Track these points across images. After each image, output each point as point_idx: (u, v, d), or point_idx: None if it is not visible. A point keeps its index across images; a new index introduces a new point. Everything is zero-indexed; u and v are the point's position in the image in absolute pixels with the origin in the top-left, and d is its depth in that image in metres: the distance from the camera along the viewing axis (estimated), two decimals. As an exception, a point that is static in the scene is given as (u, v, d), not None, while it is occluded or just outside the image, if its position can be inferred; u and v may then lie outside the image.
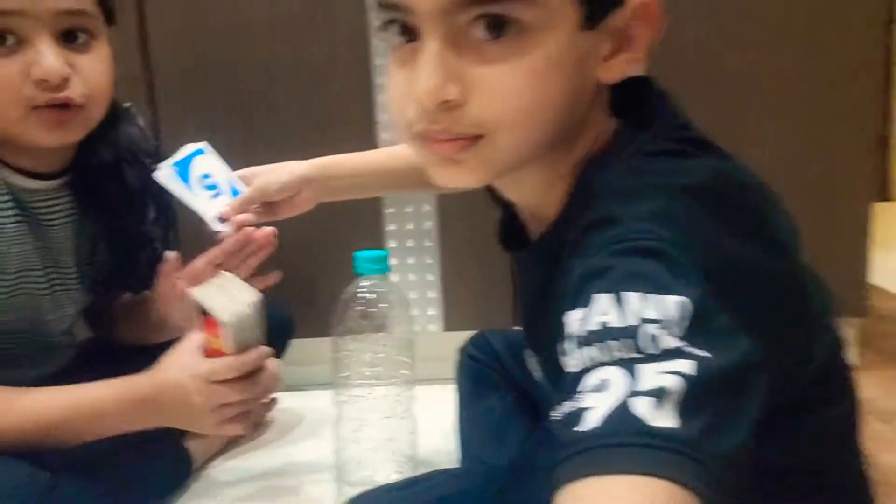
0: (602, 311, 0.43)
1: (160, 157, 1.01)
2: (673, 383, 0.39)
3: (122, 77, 0.95)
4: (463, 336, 1.09)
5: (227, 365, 0.83)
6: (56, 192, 0.96)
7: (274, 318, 1.21)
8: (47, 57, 0.83)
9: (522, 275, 0.69)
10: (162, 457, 1.05)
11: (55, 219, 0.96)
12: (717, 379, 0.40)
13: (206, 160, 1.01)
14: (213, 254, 0.98)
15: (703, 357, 0.40)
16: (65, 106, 0.86)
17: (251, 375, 0.85)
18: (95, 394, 0.88)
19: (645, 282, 0.43)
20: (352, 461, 1.00)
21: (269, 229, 0.99)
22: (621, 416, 0.38)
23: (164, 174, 0.97)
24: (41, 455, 0.87)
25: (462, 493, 0.70)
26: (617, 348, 0.41)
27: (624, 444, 0.37)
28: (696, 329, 0.41)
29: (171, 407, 0.86)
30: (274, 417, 1.32)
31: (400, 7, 0.53)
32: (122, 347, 1.11)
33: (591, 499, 0.37)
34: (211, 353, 0.87)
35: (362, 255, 0.96)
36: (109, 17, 0.91)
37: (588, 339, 0.42)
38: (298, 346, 1.28)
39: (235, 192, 1.00)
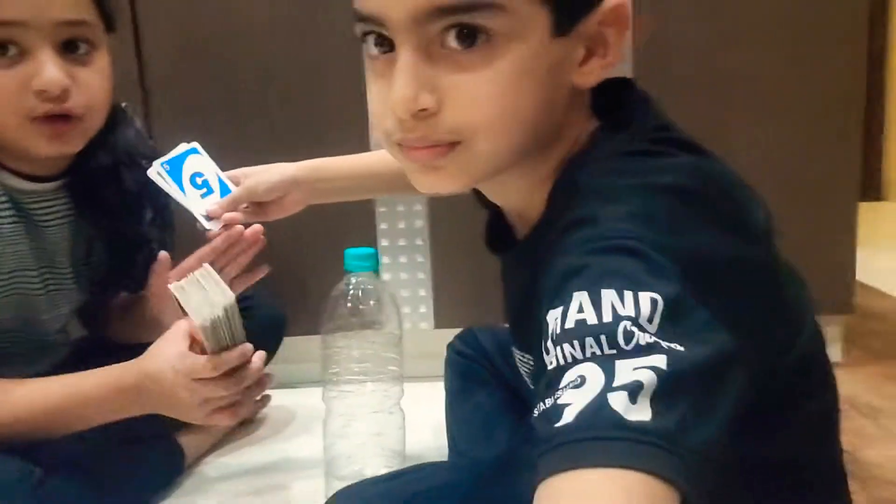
0: (579, 309, 0.43)
1: (156, 158, 1.01)
2: (648, 378, 0.39)
3: (115, 79, 0.95)
4: (454, 333, 1.10)
5: (205, 364, 0.83)
6: (53, 194, 0.96)
7: (267, 316, 1.22)
8: (48, 68, 0.83)
9: (508, 276, 0.70)
10: (154, 452, 1.06)
11: (52, 220, 0.96)
12: (692, 372, 0.41)
13: (197, 160, 1.01)
14: (203, 252, 0.99)
15: (678, 351, 0.41)
16: (64, 117, 0.86)
17: (234, 371, 0.85)
18: (85, 382, 0.88)
19: (621, 279, 0.44)
20: (341, 456, 1.01)
21: (257, 227, 1.00)
22: (597, 410, 0.39)
23: (156, 172, 0.98)
24: (33, 450, 0.88)
25: (448, 486, 0.71)
26: (594, 345, 0.42)
27: (600, 438, 0.38)
28: (672, 325, 0.42)
29: (157, 397, 0.86)
30: (266, 414, 1.33)
31: (374, 19, 0.54)
32: (116, 345, 1.10)
33: (569, 492, 0.37)
34: (197, 342, 0.87)
35: (351, 252, 0.97)
36: (109, 24, 0.92)
37: (566, 337, 0.43)
38: (291, 344, 1.29)
39: (226, 192, 1.00)
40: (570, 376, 0.41)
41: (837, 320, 1.50)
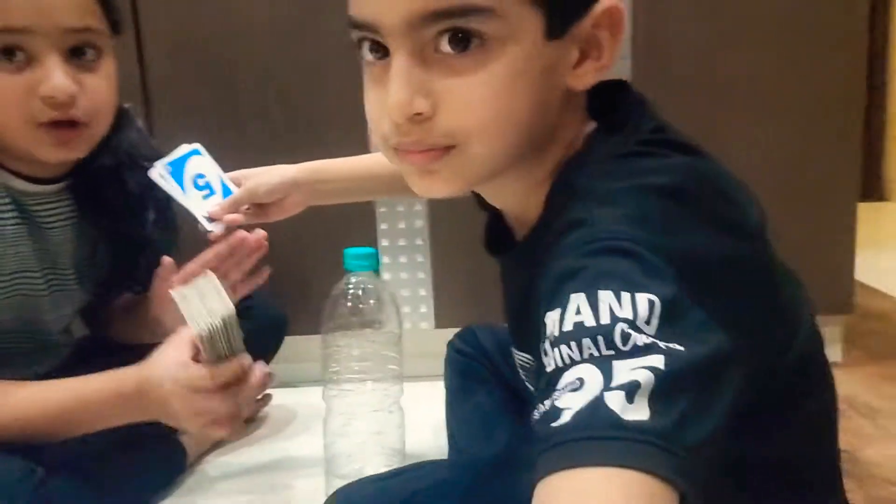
0: (576, 310, 0.44)
1: (159, 158, 1.01)
2: (646, 378, 0.40)
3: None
4: (454, 333, 1.10)
5: (202, 376, 0.81)
6: (56, 196, 0.96)
7: (268, 316, 1.23)
8: (55, 75, 0.83)
9: (507, 278, 0.71)
10: (156, 451, 1.06)
11: (55, 221, 0.96)
12: (689, 372, 0.41)
13: (200, 161, 1.02)
14: (206, 257, 0.99)
15: (675, 351, 0.41)
16: (70, 124, 0.87)
17: (231, 385, 0.83)
18: (87, 387, 0.88)
19: (618, 281, 0.44)
20: (341, 454, 1.01)
21: (261, 233, 1.01)
22: (595, 411, 0.39)
23: (158, 173, 0.99)
24: (35, 449, 0.88)
25: (447, 483, 0.71)
26: (591, 347, 0.42)
27: (597, 438, 0.38)
28: (668, 325, 0.43)
29: (155, 406, 0.85)
30: (267, 413, 1.34)
31: (368, 26, 0.55)
32: (118, 345, 1.11)
33: (567, 491, 0.38)
34: (197, 351, 0.87)
35: (351, 251, 0.97)
36: (116, 29, 0.92)
37: (563, 339, 0.43)
38: (292, 344, 1.30)
39: (227, 193, 1.01)
40: (568, 378, 0.42)
41: (837, 320, 1.50)
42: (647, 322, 0.42)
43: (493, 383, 1.01)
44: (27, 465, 0.86)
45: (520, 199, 0.63)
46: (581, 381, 0.41)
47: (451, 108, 0.54)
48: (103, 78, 0.89)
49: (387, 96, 0.54)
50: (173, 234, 1.07)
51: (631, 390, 0.39)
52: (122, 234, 1.03)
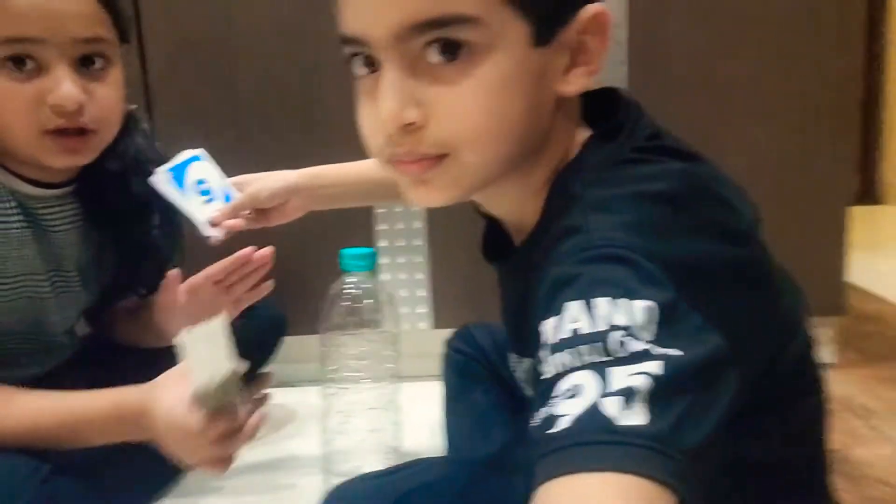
0: (573, 318, 0.44)
1: (164, 162, 1.01)
2: (643, 383, 0.40)
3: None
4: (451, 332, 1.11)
5: (197, 425, 0.79)
6: (61, 200, 0.96)
7: (267, 316, 1.23)
8: (64, 84, 0.84)
9: (505, 283, 0.71)
10: (157, 450, 1.06)
11: (60, 225, 0.97)
12: (685, 376, 0.42)
13: (202, 166, 1.02)
14: (212, 270, 1.00)
15: (671, 356, 0.42)
16: (78, 132, 0.87)
17: (225, 436, 0.82)
18: (85, 406, 0.88)
19: (613, 288, 0.45)
20: (339, 453, 1.02)
21: (267, 251, 1.01)
22: (592, 416, 0.39)
23: (160, 178, 0.99)
24: (40, 448, 0.88)
25: (443, 481, 0.71)
26: (588, 353, 0.43)
27: (595, 443, 0.39)
28: (665, 330, 0.43)
29: (152, 434, 0.85)
30: (266, 413, 1.34)
31: (358, 40, 0.56)
32: (120, 346, 1.11)
33: (565, 497, 0.38)
34: None
35: (349, 252, 0.98)
36: (124, 37, 0.92)
37: (560, 346, 0.44)
38: (291, 344, 1.30)
39: (229, 199, 1.01)
40: (565, 384, 0.42)
41: (830, 322, 1.51)
42: (643, 328, 0.43)
43: (490, 382, 1.01)
44: (32, 462, 0.86)
45: (516, 207, 0.63)
46: (578, 387, 0.41)
47: (441, 116, 0.55)
48: (111, 86, 0.90)
49: (378, 107, 0.55)
50: (178, 238, 1.08)
51: (628, 395, 0.40)
52: (127, 237, 1.03)
